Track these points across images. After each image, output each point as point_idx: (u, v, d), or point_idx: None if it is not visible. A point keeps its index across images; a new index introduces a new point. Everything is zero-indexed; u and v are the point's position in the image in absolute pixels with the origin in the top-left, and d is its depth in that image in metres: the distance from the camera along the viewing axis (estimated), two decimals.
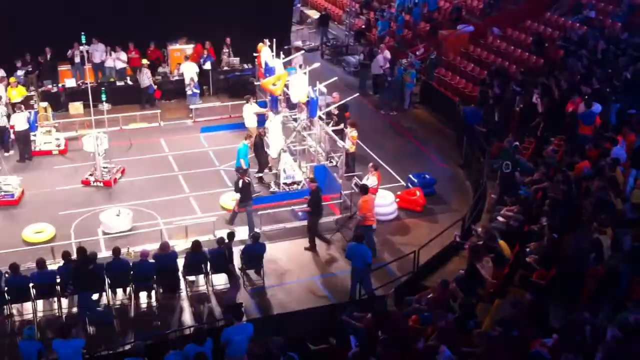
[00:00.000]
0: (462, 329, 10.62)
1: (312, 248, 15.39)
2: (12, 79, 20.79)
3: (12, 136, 19.29)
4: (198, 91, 22.38)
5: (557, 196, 13.60)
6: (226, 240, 13.90)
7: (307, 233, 15.52)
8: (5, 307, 13.07)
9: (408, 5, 28.98)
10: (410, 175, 17.82)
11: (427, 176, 17.76)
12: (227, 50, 24.46)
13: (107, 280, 13.30)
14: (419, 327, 11.13)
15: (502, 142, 16.74)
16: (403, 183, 18.03)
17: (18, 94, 20.24)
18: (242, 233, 15.48)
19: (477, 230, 13.58)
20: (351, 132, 17.87)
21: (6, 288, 12.77)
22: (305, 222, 15.98)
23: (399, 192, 17.18)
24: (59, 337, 10.88)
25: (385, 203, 16.40)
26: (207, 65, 23.58)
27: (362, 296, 13.40)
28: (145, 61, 23.04)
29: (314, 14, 32.68)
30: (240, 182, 15.55)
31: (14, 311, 13.18)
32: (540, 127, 17.69)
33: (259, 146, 17.88)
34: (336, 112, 18.79)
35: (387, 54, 23.87)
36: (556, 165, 15.27)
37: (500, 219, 14.04)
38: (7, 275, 12.79)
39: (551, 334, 9.82)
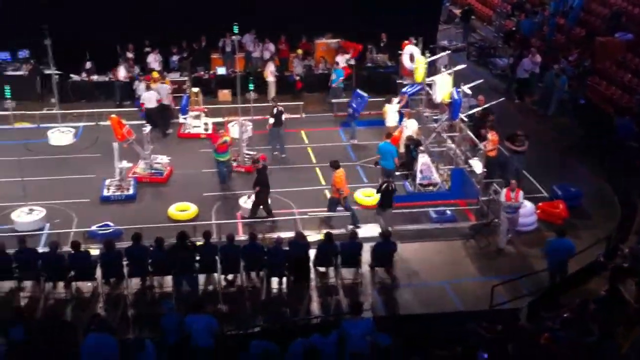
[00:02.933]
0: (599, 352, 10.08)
1: (252, 215, 16.04)
2: (154, 74, 21.53)
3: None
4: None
5: None
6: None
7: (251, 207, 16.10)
8: (147, 278, 13.90)
9: (563, 9, 27.72)
10: (554, 187, 17.06)
11: (572, 189, 16.93)
12: (371, 47, 24.57)
13: (241, 263, 13.80)
14: (550, 345, 10.67)
15: None
16: (545, 194, 17.31)
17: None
18: (372, 230, 15.52)
19: (624, 250, 12.80)
20: (492, 136, 17.38)
21: (150, 260, 13.56)
22: (438, 225, 15.90)
23: (540, 203, 16.53)
24: (192, 312, 11.38)
25: (525, 213, 15.80)
26: (351, 61, 23.86)
27: (492, 306, 13.03)
28: (299, 51, 23.71)
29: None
30: (385, 185, 15.48)
31: (155, 283, 13.98)
32: None
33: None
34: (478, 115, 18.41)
35: (538, 58, 23.02)
36: None
37: None
38: (151, 248, 13.58)
39: None
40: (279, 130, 19.21)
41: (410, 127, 18.46)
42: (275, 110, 19.05)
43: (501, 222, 15.30)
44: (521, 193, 15.12)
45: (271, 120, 18.99)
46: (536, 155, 19.26)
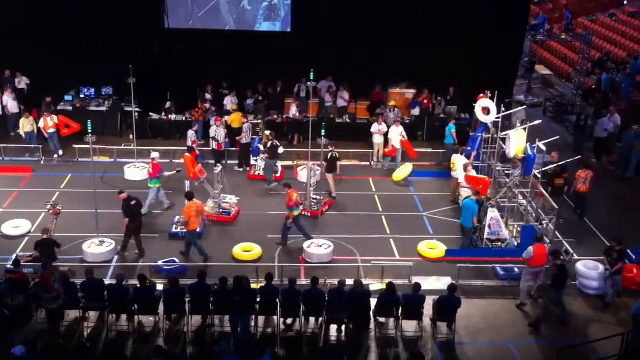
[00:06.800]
0: None
1: (123, 249, 16.34)
2: (233, 106, 22.67)
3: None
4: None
5: None
6: None
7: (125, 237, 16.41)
8: (208, 316, 13.96)
9: None
10: (629, 251, 16.35)
11: None
12: (440, 99, 24.51)
13: (302, 308, 13.72)
14: None
15: None
16: None
17: (236, 120, 22.01)
18: (437, 283, 15.22)
19: None
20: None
21: (212, 299, 13.65)
22: (505, 283, 15.52)
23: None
24: (255, 354, 11.40)
25: (597, 276, 15.20)
26: (416, 111, 23.85)
27: None
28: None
29: (541, 69, 31.81)
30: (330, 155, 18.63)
31: (216, 321, 14.04)
32: None
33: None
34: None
35: (617, 117, 22.44)
36: None
37: None
38: (215, 287, 13.67)
39: None
40: (273, 162, 20.25)
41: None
42: (273, 143, 20.14)
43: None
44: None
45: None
46: (611, 218, 18.68)
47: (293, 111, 23.64)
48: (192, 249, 16.33)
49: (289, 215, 16.69)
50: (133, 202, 16.27)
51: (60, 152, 21.70)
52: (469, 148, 19.47)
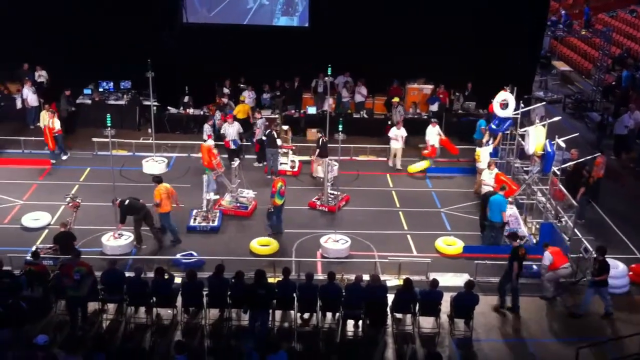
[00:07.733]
0: None
1: (138, 242, 16.45)
2: (242, 97, 23.19)
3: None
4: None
5: None
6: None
7: None
8: (225, 310, 14.00)
9: None
10: None
11: None
12: (458, 94, 24.38)
13: (319, 303, 13.73)
14: None
15: None
16: (639, 255, 16.49)
17: (241, 111, 22.49)
18: (455, 280, 15.17)
19: None
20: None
21: (229, 293, 13.69)
22: (523, 280, 15.37)
23: (633, 265, 15.73)
24: (270, 352, 11.43)
25: (616, 275, 15.05)
26: (434, 107, 23.72)
27: None
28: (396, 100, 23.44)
29: (560, 65, 31.56)
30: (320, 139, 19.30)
31: (233, 315, 14.09)
32: None
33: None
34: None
35: (638, 115, 22.21)
36: None
37: None
38: (232, 281, 13.72)
39: None
40: (273, 151, 20.16)
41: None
42: (272, 133, 20.07)
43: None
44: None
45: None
46: (631, 215, 18.52)
47: (328, 103, 23.11)
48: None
49: (272, 202, 16.76)
50: (126, 203, 16.21)
51: (64, 157, 21.43)
52: (494, 127, 18.77)
